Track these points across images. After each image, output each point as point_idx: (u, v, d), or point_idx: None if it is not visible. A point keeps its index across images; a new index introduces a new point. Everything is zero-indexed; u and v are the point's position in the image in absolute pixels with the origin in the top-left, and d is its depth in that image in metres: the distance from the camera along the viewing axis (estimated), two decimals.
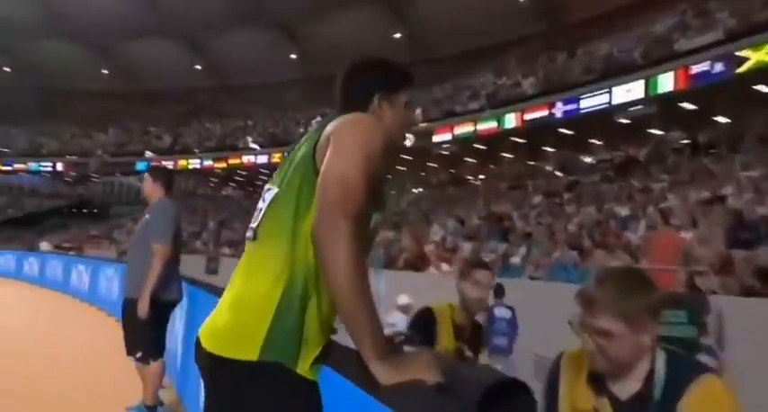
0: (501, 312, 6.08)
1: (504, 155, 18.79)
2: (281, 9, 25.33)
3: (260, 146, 24.39)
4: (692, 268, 5.79)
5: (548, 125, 15.21)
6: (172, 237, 3.38)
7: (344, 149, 1.08)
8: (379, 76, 1.30)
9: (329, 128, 1.15)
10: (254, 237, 1.17)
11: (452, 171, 19.45)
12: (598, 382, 1.27)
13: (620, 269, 1.52)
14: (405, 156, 20.43)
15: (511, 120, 16.05)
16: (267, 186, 1.24)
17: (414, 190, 18.96)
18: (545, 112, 15.11)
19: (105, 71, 31.92)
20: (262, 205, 1.21)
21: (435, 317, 2.26)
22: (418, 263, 9.68)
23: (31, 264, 14.70)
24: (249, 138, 25.32)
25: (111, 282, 8.36)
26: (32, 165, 30.13)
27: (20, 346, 5.77)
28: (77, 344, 6.00)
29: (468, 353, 2.25)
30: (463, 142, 17.72)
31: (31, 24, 28.41)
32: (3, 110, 32.12)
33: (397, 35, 24.74)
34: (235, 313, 1.10)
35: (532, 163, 17.94)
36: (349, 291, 0.98)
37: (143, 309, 3.22)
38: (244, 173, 26.11)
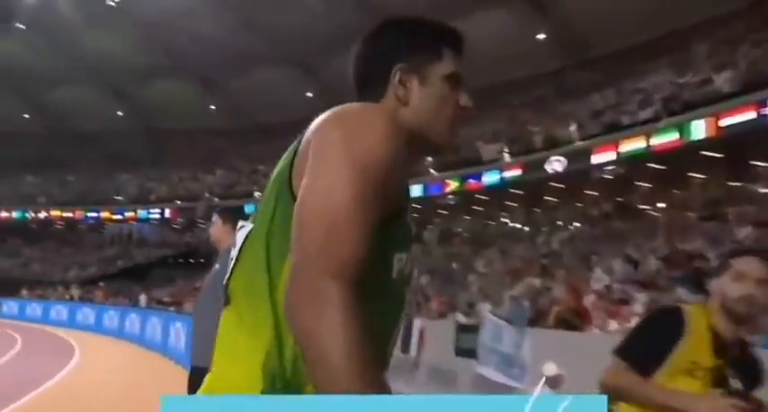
0: None
1: (693, 175, 17.16)
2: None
3: None
4: None
5: (757, 131, 13.62)
6: None
7: (325, 167, 0.91)
8: (400, 40, 1.12)
9: (309, 130, 1.00)
10: (227, 302, 1.04)
11: (619, 199, 18.16)
12: None
13: None
14: (555, 184, 19.61)
15: (700, 129, 14.66)
16: (240, 223, 1.07)
17: (568, 226, 18.00)
18: (751, 114, 13.57)
19: (213, 107, 35.43)
20: (233, 253, 1.03)
21: (683, 319, 1.95)
22: (575, 319, 8.98)
23: (133, 321, 16.24)
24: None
25: None
26: (142, 213, 33.95)
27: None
28: None
29: (736, 384, 1.90)
30: (633, 162, 16.51)
31: (139, 63, 32.62)
32: (116, 155, 37.02)
33: (541, 36, 24.28)
34: None
35: (735, 183, 16.12)
36: (342, 390, 0.81)
37: None
38: None
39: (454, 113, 1.12)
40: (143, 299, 21.82)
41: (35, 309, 23.19)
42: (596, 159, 17.01)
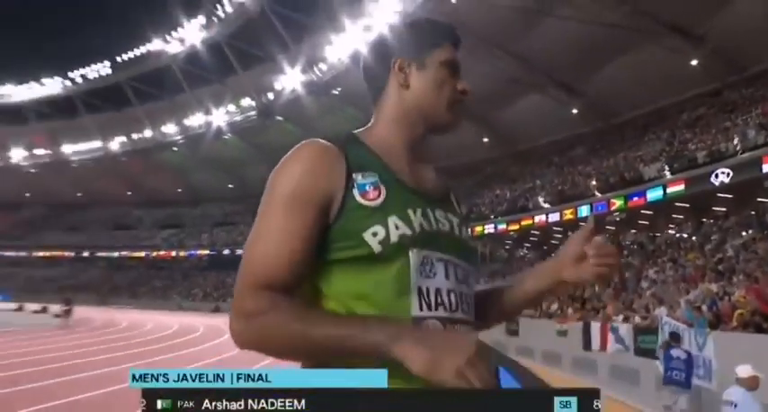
0: (676, 353, 6.60)
1: None
2: (554, 66, 24.93)
3: (550, 204, 23.59)
4: None
5: None
6: None
7: (260, 210, 0.91)
8: (398, 38, 1.04)
9: None
10: None
11: None
12: None
13: None
14: (724, 195, 16.71)
15: None
16: None
17: (741, 233, 15.05)
18: None
19: None
20: None
21: None
22: (761, 322, 7.30)
23: None
24: (540, 198, 24.86)
25: None
26: None
27: None
28: None
29: None
30: None
31: None
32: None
33: (695, 62, 21.21)
34: None
35: None
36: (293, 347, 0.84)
37: None
38: (536, 232, 25.46)
39: (453, 96, 1.01)
40: None
41: None
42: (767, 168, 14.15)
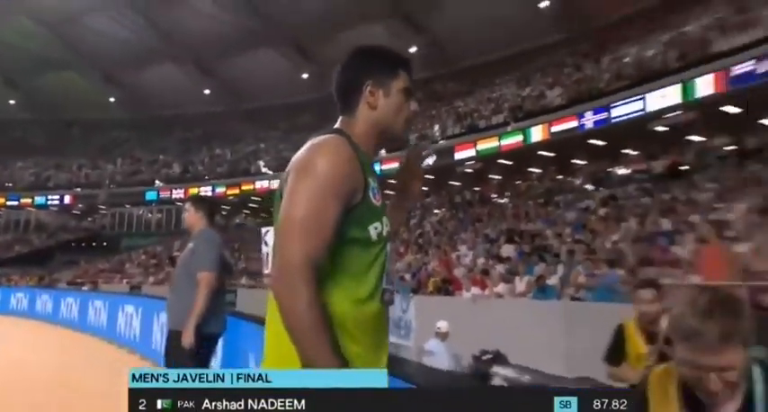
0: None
1: (532, 170, 18.74)
2: (293, 26, 26.04)
3: (273, 170, 24.63)
4: (753, 283, 5.73)
5: (578, 136, 15.24)
6: (217, 265, 3.39)
7: (293, 188, 1.19)
8: (367, 64, 1.35)
9: (293, 160, 1.25)
10: None
11: (476, 189, 19.47)
12: (696, 408, 1.21)
13: (714, 293, 1.23)
14: (427, 176, 20.43)
15: (537, 133, 16.11)
16: (265, 229, 1.34)
17: (435, 211, 18.95)
18: (573, 123, 15.16)
19: (112, 99, 32.94)
20: (266, 249, 1.31)
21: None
22: (448, 287, 9.72)
23: (45, 302, 15.03)
24: (261, 163, 25.60)
25: (132, 318, 8.66)
26: (39, 199, 30.90)
27: (33, 383, 5.93)
28: (95, 383, 6.10)
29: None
30: (487, 158, 17.74)
31: (40, 56, 29.57)
32: (10, 143, 33.18)
33: (414, 49, 25.11)
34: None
35: (561, 177, 17.83)
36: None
37: (188, 340, 3.21)
38: (258, 199, 26.29)
39: (408, 115, 1.38)
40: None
41: None
42: (459, 155, 18.07)
